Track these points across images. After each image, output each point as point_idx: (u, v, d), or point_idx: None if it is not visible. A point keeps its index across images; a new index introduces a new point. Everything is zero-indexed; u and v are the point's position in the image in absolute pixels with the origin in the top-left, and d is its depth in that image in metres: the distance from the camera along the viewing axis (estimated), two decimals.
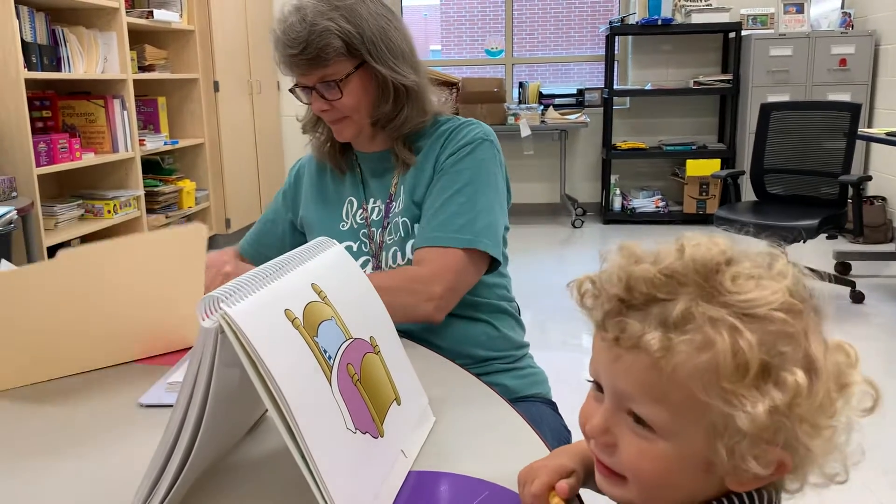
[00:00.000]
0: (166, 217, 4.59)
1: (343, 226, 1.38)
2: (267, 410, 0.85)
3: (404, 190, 1.33)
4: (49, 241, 3.57)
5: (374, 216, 1.36)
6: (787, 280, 0.57)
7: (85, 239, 4.03)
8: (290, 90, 1.31)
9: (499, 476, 0.79)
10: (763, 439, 0.54)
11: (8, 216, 1.81)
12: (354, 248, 1.34)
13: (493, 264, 1.30)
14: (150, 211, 4.43)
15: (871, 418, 0.58)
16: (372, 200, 1.37)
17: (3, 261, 1.17)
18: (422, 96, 1.32)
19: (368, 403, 0.77)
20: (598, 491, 0.77)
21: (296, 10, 1.23)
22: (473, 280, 1.27)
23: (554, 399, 1.40)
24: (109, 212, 4.05)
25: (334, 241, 0.90)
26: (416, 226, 1.31)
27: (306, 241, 1.42)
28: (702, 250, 0.58)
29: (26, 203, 3.20)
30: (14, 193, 3.27)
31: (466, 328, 1.32)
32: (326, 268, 0.82)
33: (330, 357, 0.73)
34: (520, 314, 1.46)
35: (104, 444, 0.89)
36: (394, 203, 1.34)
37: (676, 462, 0.57)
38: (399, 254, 1.31)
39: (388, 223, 1.33)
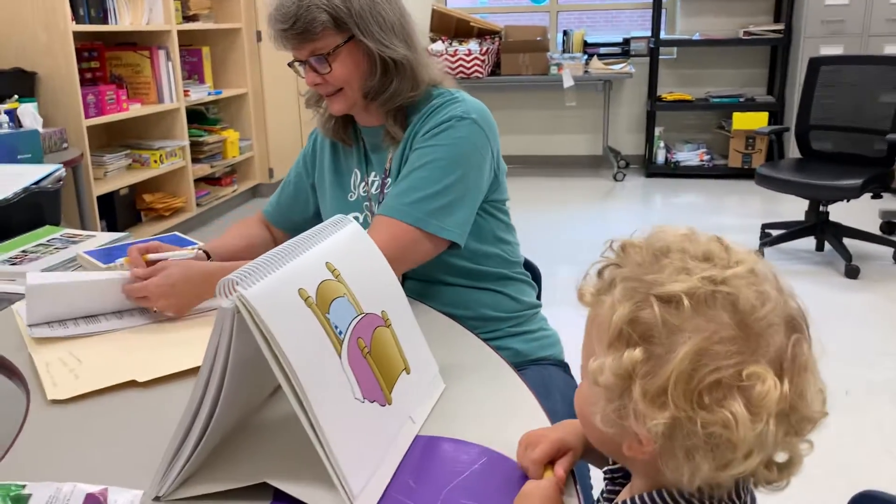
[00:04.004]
0: (211, 167, 4.70)
1: (351, 196, 1.42)
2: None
3: (395, 166, 1.36)
4: (98, 190, 3.70)
5: (373, 190, 1.40)
6: (692, 279, 0.59)
7: (134, 188, 4.16)
8: (289, 64, 1.34)
9: (499, 443, 0.84)
10: (611, 396, 0.61)
11: (57, 174, 1.89)
12: (360, 220, 1.38)
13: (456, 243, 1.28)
14: (195, 161, 4.54)
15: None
16: (373, 174, 1.41)
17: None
18: (414, 70, 1.32)
19: (377, 374, 0.82)
20: (597, 465, 0.82)
21: None
22: (423, 256, 1.26)
23: (577, 354, 1.44)
24: (156, 161, 4.16)
25: (350, 218, 0.95)
26: None
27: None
28: (664, 237, 0.64)
29: (76, 154, 3.32)
30: (65, 144, 3.38)
31: (471, 295, 1.37)
32: (341, 246, 0.87)
33: (341, 332, 0.79)
34: (535, 277, 1.49)
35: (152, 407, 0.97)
36: (389, 178, 1.37)
37: None
38: None
39: (383, 198, 1.36)
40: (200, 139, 4.62)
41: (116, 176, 3.97)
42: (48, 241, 1.70)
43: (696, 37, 5.58)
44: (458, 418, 0.91)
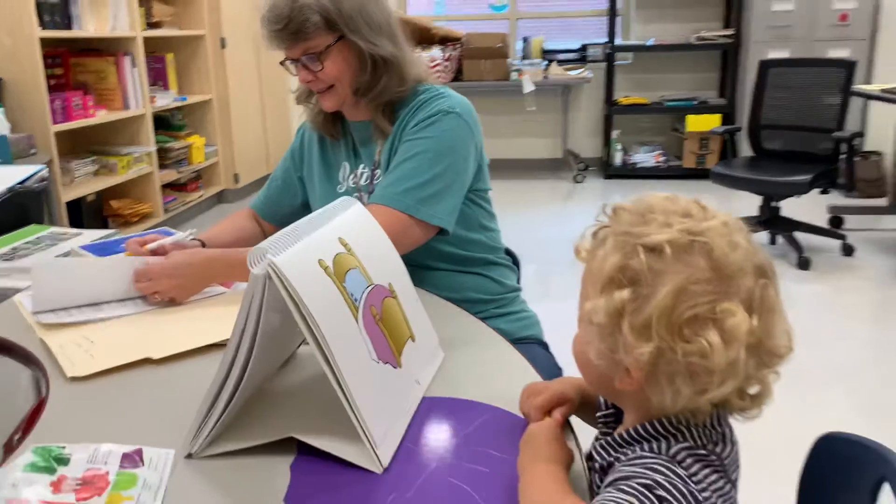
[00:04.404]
0: (178, 172, 4.70)
1: (340, 188, 1.50)
2: (298, 346, 1.00)
3: (384, 158, 1.44)
4: (66, 196, 3.69)
5: (362, 181, 1.47)
6: (672, 230, 0.68)
7: (101, 194, 4.15)
8: (281, 63, 1.40)
9: (498, 401, 0.92)
10: (604, 333, 0.70)
11: (41, 173, 1.92)
12: None
13: (444, 229, 1.36)
14: (161, 166, 4.54)
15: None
16: (362, 166, 1.48)
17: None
18: (400, 67, 1.40)
19: (388, 339, 0.90)
20: (588, 422, 0.90)
21: None
22: (415, 241, 1.33)
23: (549, 342, 1.53)
24: (123, 167, 4.16)
25: (355, 199, 1.02)
26: None
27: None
28: (649, 201, 0.74)
29: (45, 160, 3.32)
30: (33, 150, 3.38)
31: (458, 278, 1.45)
32: (350, 224, 0.95)
33: (356, 300, 0.86)
34: (515, 262, 1.58)
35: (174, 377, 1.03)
36: (378, 170, 1.45)
37: None
38: None
39: (373, 188, 1.44)
40: (167, 145, 4.63)
41: (83, 182, 3.96)
42: (36, 238, 1.74)
43: (651, 42, 5.76)
44: (458, 382, 0.99)
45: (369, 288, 0.90)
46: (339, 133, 1.50)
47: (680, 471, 0.67)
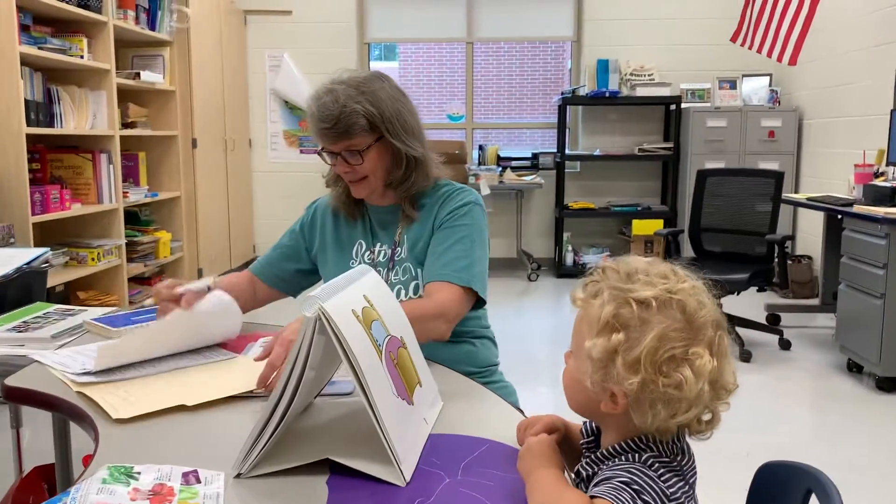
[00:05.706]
0: (144, 266, 4.81)
1: (353, 263, 1.68)
2: (320, 390, 1.16)
3: (407, 239, 1.65)
4: None
5: (380, 258, 1.66)
6: (655, 289, 0.87)
7: (69, 284, 4.23)
8: (318, 153, 1.61)
9: (495, 437, 1.09)
10: (598, 366, 0.87)
11: (45, 256, 2.06)
12: None
13: (479, 302, 1.60)
14: (129, 260, 4.65)
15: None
16: (379, 245, 1.68)
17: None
18: (426, 165, 1.64)
19: (403, 380, 1.07)
20: (569, 466, 1.07)
21: (329, 91, 1.53)
22: (466, 311, 1.56)
23: None
24: (93, 259, 4.26)
25: (370, 268, 1.20)
26: (419, 269, 1.62)
27: (318, 269, 1.72)
28: (633, 263, 0.93)
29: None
30: (12, 240, 3.48)
31: (453, 349, 1.63)
32: (370, 286, 1.13)
33: (380, 344, 1.03)
34: (495, 337, 1.77)
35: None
36: (399, 248, 1.65)
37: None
38: (403, 291, 1.62)
39: (394, 265, 1.63)
40: (135, 239, 4.76)
41: (54, 273, 4.03)
42: (44, 314, 1.86)
43: (597, 153, 6.20)
44: (457, 423, 1.15)
45: (388, 337, 1.08)
46: (358, 214, 1.70)
47: (651, 473, 0.85)
